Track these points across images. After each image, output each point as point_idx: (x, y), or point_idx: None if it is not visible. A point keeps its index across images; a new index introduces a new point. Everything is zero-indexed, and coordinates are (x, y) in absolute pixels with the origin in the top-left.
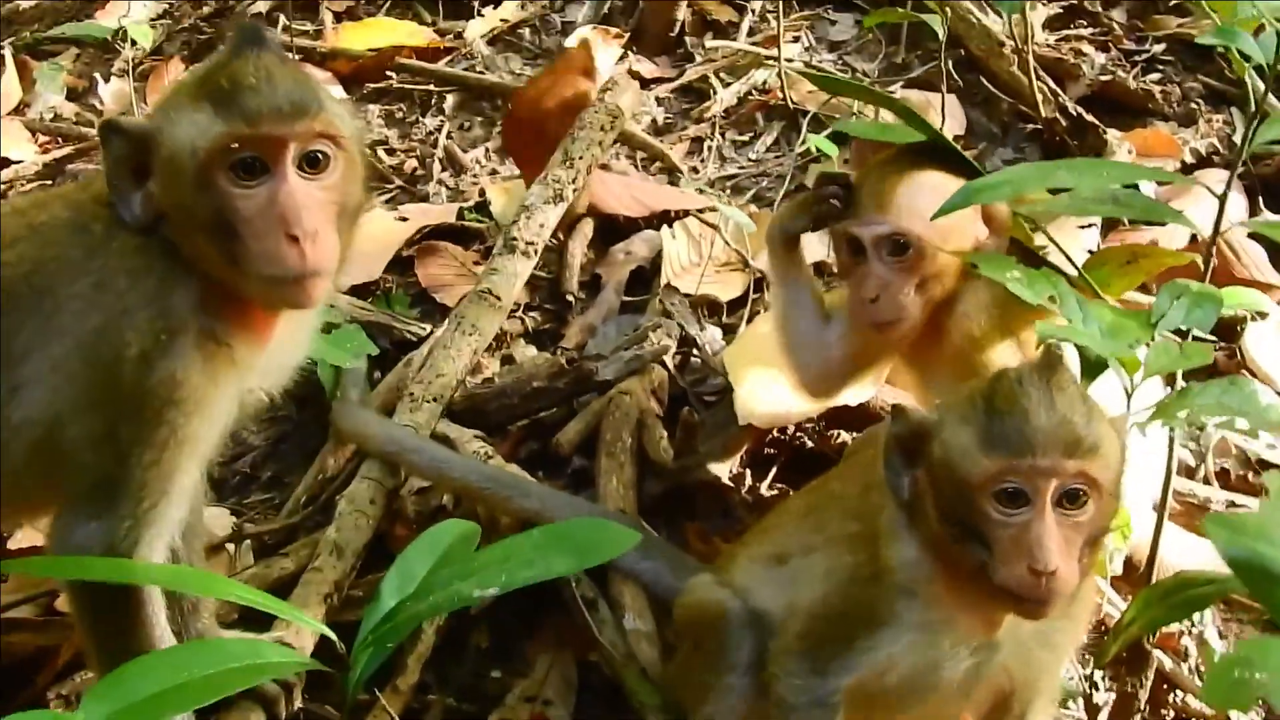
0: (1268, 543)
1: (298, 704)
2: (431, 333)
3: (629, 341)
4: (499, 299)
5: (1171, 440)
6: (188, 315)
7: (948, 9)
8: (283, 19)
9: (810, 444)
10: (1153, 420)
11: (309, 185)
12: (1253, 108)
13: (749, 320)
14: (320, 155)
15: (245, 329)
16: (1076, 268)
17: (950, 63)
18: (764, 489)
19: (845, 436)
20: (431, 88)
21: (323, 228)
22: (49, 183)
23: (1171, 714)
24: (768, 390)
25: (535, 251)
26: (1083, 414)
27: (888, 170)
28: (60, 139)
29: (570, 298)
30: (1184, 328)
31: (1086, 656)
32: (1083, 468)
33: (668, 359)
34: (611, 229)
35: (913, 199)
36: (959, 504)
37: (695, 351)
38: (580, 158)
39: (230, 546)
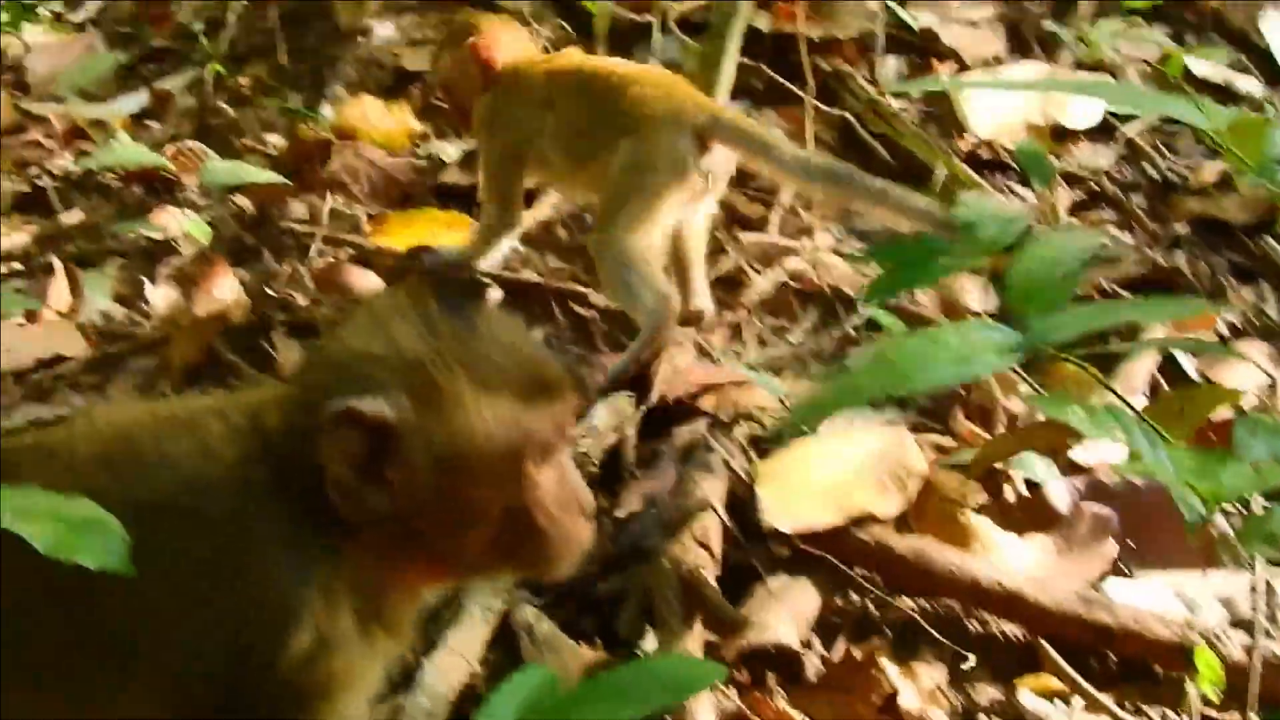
0: None
1: None
2: None
3: (670, 497)
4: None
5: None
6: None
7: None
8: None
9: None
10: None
11: None
12: None
13: None
14: None
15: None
16: (1137, 413)
17: None
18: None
19: (909, 602)
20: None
21: None
22: (102, 378)
23: None
24: (794, 499)
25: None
26: None
27: None
28: (112, 337)
29: (627, 474)
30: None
31: None
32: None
33: (717, 503)
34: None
35: None
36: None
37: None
38: None
39: None
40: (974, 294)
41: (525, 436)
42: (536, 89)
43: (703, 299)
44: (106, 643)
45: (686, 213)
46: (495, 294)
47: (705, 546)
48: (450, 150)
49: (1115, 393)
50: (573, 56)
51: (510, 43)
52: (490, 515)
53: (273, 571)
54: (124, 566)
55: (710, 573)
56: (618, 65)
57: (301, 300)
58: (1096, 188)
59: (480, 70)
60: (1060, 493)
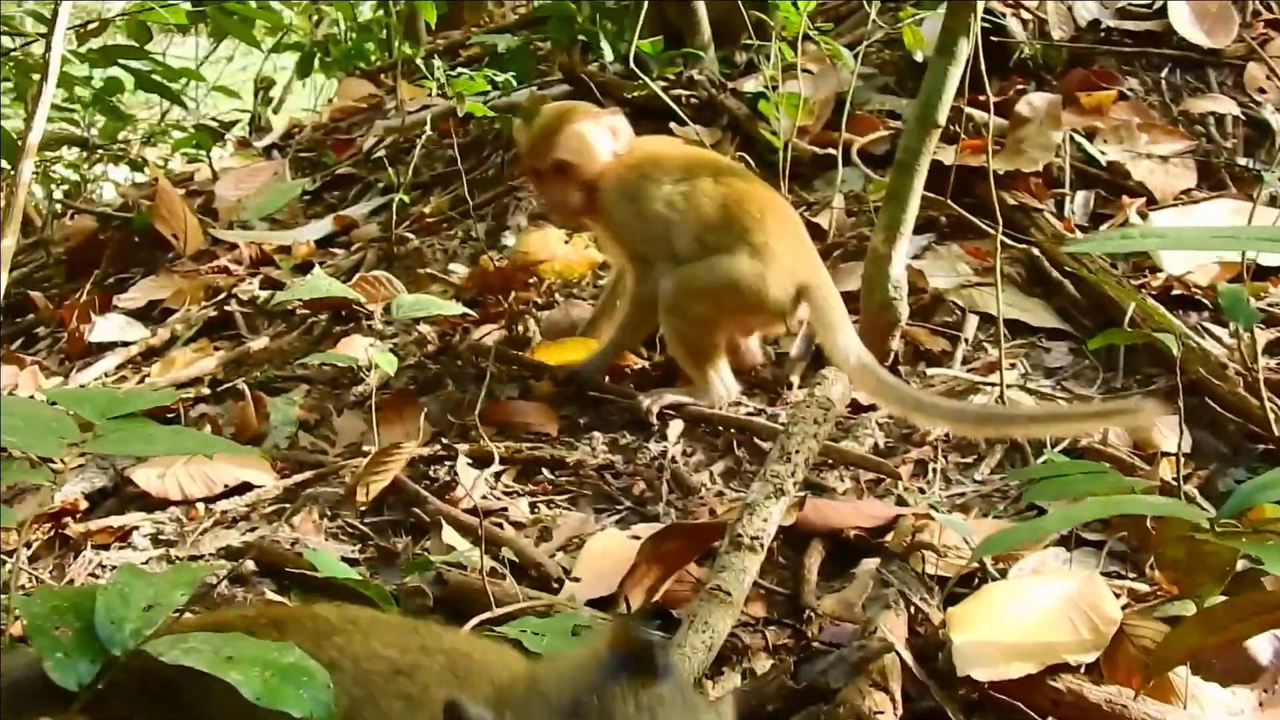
0: None
1: None
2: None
3: (851, 637)
4: (729, 595)
5: None
6: None
7: (1177, 329)
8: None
9: None
10: None
11: None
12: None
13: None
14: None
15: None
16: None
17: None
18: None
19: None
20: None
21: None
22: (287, 505)
23: None
24: (988, 646)
25: (761, 546)
26: None
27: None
28: (298, 465)
29: (809, 611)
30: None
31: None
32: None
33: (898, 643)
34: (840, 544)
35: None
36: None
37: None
38: (796, 451)
39: None
40: (1170, 436)
41: None
42: (674, 171)
43: (756, 353)
44: None
45: None
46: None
47: (884, 689)
48: None
49: None
50: (709, 153)
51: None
52: None
53: None
54: (329, 716)
55: (889, 716)
56: (759, 185)
57: (481, 430)
58: None
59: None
60: (1263, 645)
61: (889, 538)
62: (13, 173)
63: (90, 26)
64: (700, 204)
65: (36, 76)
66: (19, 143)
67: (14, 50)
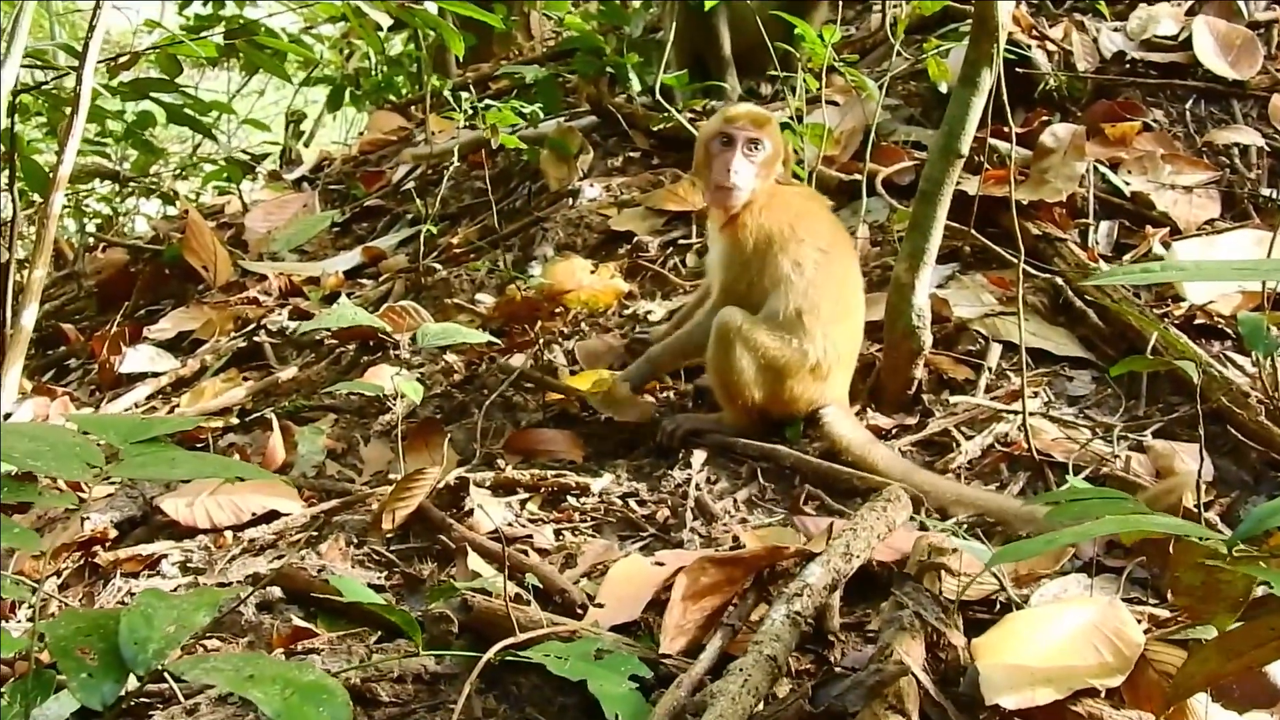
0: None
1: None
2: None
3: (869, 660)
4: (779, 665)
5: None
6: None
7: (1199, 358)
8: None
9: None
10: None
11: None
12: None
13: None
14: None
15: None
16: None
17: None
18: None
19: None
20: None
21: None
22: (315, 534)
23: None
24: (1013, 672)
25: (808, 623)
26: None
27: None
28: (325, 493)
29: (832, 637)
30: None
31: None
32: None
33: (915, 667)
34: (864, 573)
35: None
36: None
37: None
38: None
39: None
40: (1189, 460)
41: None
42: (820, 237)
43: None
44: None
45: None
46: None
47: (901, 711)
48: (656, 310)
49: None
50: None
51: None
52: None
53: None
54: None
55: None
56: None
57: (505, 459)
58: None
59: None
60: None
61: (911, 565)
62: (44, 205)
63: (121, 60)
64: (820, 283)
65: (68, 110)
66: (50, 175)
67: (46, 83)
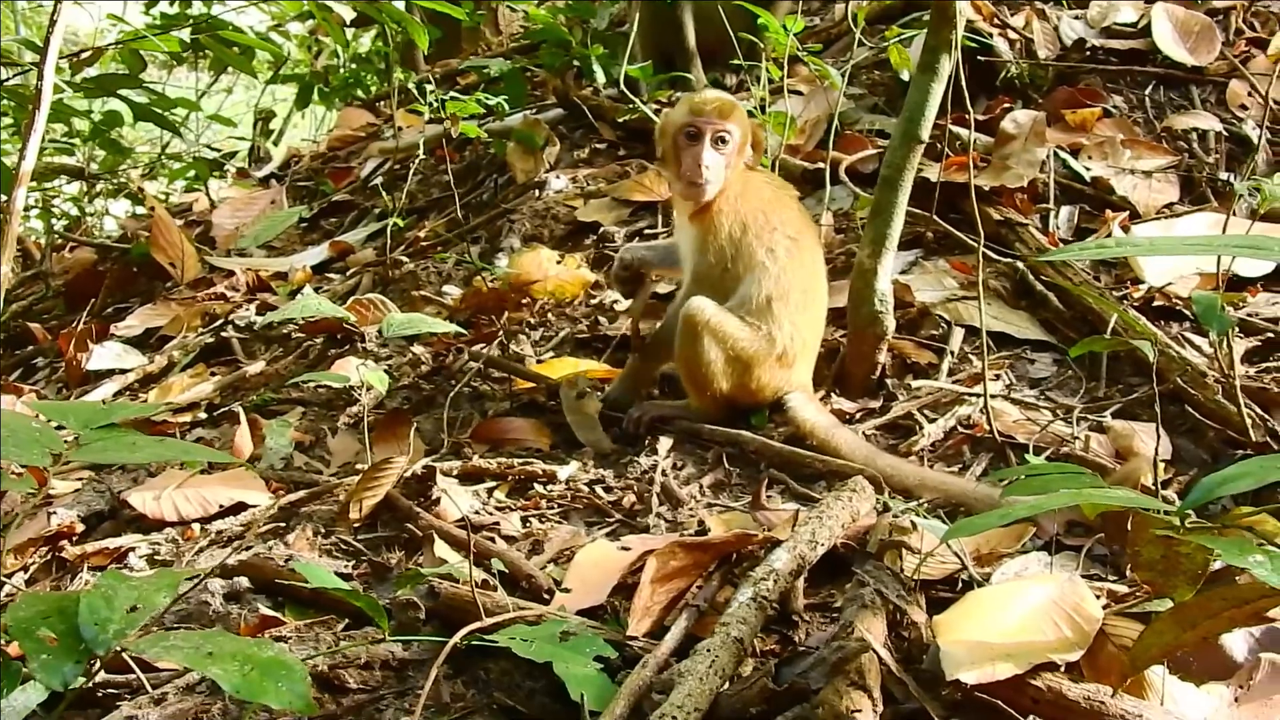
0: None
1: None
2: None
3: (831, 637)
4: (744, 646)
5: None
6: None
7: (1155, 337)
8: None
9: None
10: None
11: None
12: None
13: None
14: None
15: None
16: None
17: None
18: None
19: None
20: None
21: None
22: (283, 524)
23: None
24: (974, 649)
25: (773, 607)
26: None
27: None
28: (293, 485)
29: (796, 618)
30: None
31: None
32: None
33: (877, 644)
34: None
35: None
36: None
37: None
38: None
39: None
40: (1148, 440)
41: None
42: (791, 225)
43: None
44: None
45: None
46: (665, 441)
47: (863, 688)
48: (622, 300)
49: None
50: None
51: None
52: None
53: None
54: (308, 708)
55: (868, 715)
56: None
57: (473, 448)
58: (1273, 335)
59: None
60: (1237, 642)
61: (872, 544)
62: (8, 202)
63: (84, 55)
64: (791, 271)
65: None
66: (14, 172)
67: (9, 79)
